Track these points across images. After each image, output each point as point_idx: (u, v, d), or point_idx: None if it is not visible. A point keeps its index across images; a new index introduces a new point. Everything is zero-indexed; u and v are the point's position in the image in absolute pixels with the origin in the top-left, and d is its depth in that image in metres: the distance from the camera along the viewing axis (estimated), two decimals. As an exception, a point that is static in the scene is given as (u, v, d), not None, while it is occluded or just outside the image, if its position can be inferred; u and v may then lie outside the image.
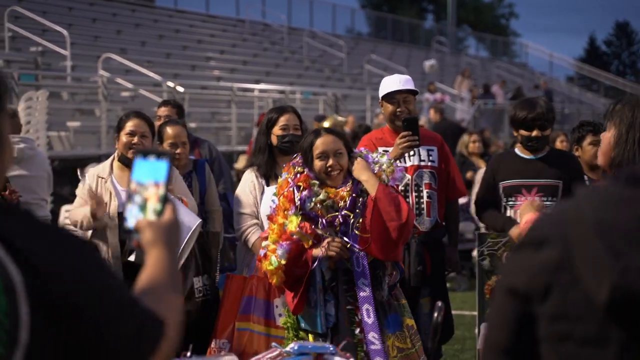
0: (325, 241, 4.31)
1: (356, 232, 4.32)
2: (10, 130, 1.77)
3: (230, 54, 25.80)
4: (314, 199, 4.36)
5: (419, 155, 5.48)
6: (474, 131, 13.37)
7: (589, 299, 1.41)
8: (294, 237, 4.33)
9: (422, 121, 14.98)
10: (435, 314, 2.98)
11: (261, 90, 19.60)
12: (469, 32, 52.95)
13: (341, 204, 4.36)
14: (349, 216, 4.35)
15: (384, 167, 4.50)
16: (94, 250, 1.65)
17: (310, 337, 4.43)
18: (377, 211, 4.32)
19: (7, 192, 4.67)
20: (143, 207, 1.82)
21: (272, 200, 4.61)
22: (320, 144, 4.42)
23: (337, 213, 4.36)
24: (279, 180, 4.59)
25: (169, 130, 5.81)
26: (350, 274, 4.40)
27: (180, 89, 16.30)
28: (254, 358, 3.01)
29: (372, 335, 4.30)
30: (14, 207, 1.61)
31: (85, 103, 16.75)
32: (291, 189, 4.41)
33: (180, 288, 1.81)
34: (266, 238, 4.50)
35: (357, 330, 4.35)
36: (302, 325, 4.49)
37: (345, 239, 4.33)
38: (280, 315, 5.02)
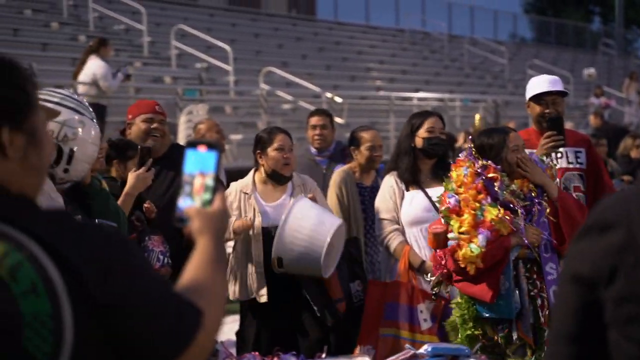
0: (530, 229, 4.52)
1: (545, 219, 4.56)
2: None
3: (389, 64, 25.83)
4: (505, 190, 4.53)
5: (567, 157, 5.33)
6: (639, 134, 12.83)
7: None
8: (494, 225, 4.45)
9: (569, 125, 14.56)
10: None
11: (420, 99, 19.53)
12: (638, 33, 51.10)
13: (533, 193, 4.59)
14: (541, 204, 4.57)
15: (551, 168, 4.71)
16: (135, 246, 1.68)
17: (488, 326, 4.52)
18: (564, 212, 4.54)
19: (146, 205, 4.81)
20: (192, 197, 1.82)
21: (449, 196, 4.64)
22: (513, 138, 4.66)
23: (529, 202, 4.58)
24: (455, 174, 4.65)
25: (365, 135, 5.98)
26: (531, 262, 4.59)
27: (338, 99, 16.43)
28: (388, 359, 2.95)
29: None
30: (53, 211, 1.64)
31: (247, 116, 17.13)
32: (481, 180, 4.54)
33: (225, 278, 1.81)
34: (444, 232, 4.58)
35: (543, 312, 4.54)
36: (485, 314, 4.55)
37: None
38: (425, 320, 5.09)
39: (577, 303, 1.52)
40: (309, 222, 4.99)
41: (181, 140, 10.62)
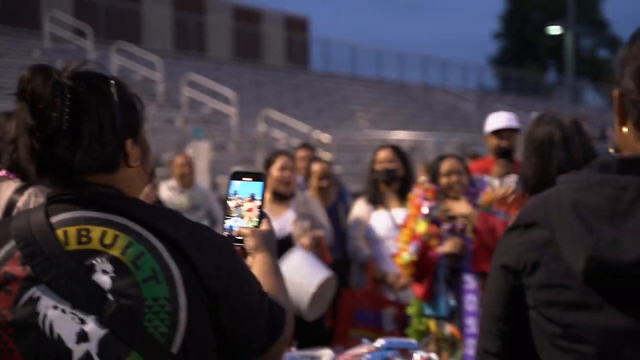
0: (450, 240, 4.62)
1: (469, 235, 4.60)
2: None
3: (372, 108, 26.01)
4: (437, 209, 4.66)
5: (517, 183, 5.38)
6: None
7: (569, 270, 1.45)
8: (423, 238, 4.64)
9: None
10: None
11: (397, 139, 19.53)
12: (586, 84, 51.37)
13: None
14: (466, 224, 4.63)
15: (496, 189, 4.67)
16: (233, 247, 1.71)
17: (432, 321, 4.67)
18: (479, 237, 4.55)
19: None
20: (243, 218, 1.90)
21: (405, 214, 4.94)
22: (445, 164, 4.74)
23: (456, 220, 4.64)
24: (410, 196, 4.84)
25: (315, 166, 5.98)
26: (458, 271, 4.68)
27: (326, 138, 16.41)
28: (350, 351, 3.05)
29: (470, 321, 4.59)
30: (167, 209, 1.68)
31: (247, 152, 17.14)
32: (420, 200, 4.69)
33: (284, 285, 1.84)
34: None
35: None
36: (427, 312, 4.71)
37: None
38: (388, 323, 5.25)
39: (504, 288, 1.57)
40: (300, 273, 4.76)
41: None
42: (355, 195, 6.61)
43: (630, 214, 1.43)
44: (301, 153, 6.79)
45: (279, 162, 5.30)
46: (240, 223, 1.88)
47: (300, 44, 32.87)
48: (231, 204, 1.91)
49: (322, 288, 4.79)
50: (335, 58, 31.12)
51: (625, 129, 1.55)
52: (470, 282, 4.62)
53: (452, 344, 4.61)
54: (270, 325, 1.65)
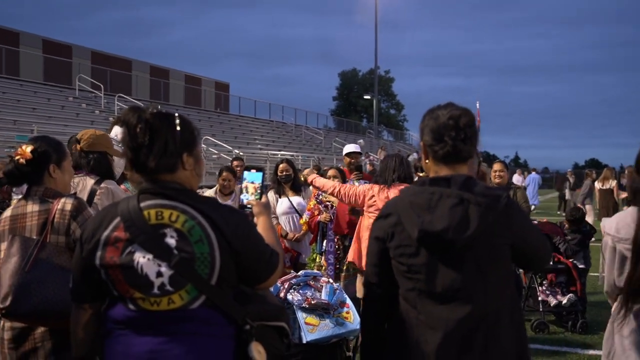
0: (324, 213, 4.58)
1: (335, 207, 4.55)
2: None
3: (266, 137, 25.17)
4: (322, 195, 4.57)
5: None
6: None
7: (409, 237, 1.50)
8: (312, 210, 4.64)
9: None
10: None
11: (281, 154, 19.01)
12: (383, 128, 52.86)
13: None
14: (333, 204, 4.57)
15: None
16: (247, 216, 1.56)
17: (317, 255, 4.63)
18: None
19: None
20: (250, 194, 1.75)
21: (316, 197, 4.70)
22: (329, 172, 4.72)
23: (330, 202, 4.59)
24: (311, 188, 4.63)
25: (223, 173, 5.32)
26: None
27: (241, 153, 16.10)
28: (282, 278, 2.72)
29: (330, 257, 4.51)
30: (207, 197, 1.51)
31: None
32: (315, 191, 4.58)
33: (277, 236, 1.66)
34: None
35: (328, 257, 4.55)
36: (315, 249, 4.69)
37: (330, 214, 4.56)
38: (286, 262, 4.80)
39: (378, 249, 1.57)
40: None
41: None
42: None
43: (437, 207, 1.48)
44: (236, 162, 6.63)
45: (224, 174, 5.19)
46: (248, 197, 1.74)
47: (225, 98, 32.21)
48: (243, 185, 1.76)
49: None
50: (245, 106, 30.33)
51: (427, 161, 1.58)
52: (331, 235, 4.59)
53: (320, 267, 4.54)
54: (270, 263, 1.51)
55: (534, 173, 17.75)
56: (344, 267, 4.44)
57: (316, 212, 4.69)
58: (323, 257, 4.59)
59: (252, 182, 1.76)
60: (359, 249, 4.00)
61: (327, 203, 4.63)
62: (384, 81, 53.49)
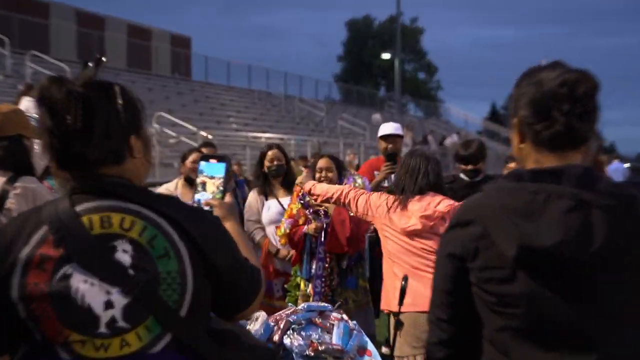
0: (312, 224, 4.50)
1: (330, 213, 4.49)
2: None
3: (244, 113, 25.65)
4: (308, 197, 4.48)
5: None
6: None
7: (501, 255, 1.48)
8: (295, 217, 4.61)
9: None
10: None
11: (266, 138, 19.59)
12: (409, 99, 53.15)
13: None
14: (327, 210, 4.49)
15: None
16: (220, 222, 1.64)
17: (303, 281, 4.57)
18: (332, 225, 4.42)
19: None
20: (210, 192, 1.81)
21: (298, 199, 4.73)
22: (319, 163, 4.63)
23: (320, 206, 4.50)
24: (295, 187, 4.70)
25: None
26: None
27: (210, 137, 16.26)
28: (275, 314, 2.87)
29: (317, 283, 4.46)
30: (167, 196, 1.60)
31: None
32: (299, 189, 4.54)
33: (252, 248, 1.77)
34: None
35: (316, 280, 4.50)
36: (298, 273, 4.63)
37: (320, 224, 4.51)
38: (277, 291, 5.06)
39: (451, 270, 1.58)
40: None
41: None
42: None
43: (543, 212, 1.47)
44: (205, 150, 6.64)
45: (191, 157, 5.50)
46: (205, 197, 1.79)
47: (185, 57, 32.29)
48: (198, 181, 1.83)
49: None
50: (213, 70, 30.71)
51: (522, 146, 1.58)
52: (321, 252, 4.47)
53: (307, 297, 4.47)
54: (252, 283, 1.62)
55: (616, 162, 17.07)
56: (338, 299, 4.27)
57: (301, 221, 4.62)
58: (310, 284, 4.53)
59: (212, 177, 1.80)
60: (385, 287, 3.85)
61: (318, 209, 4.55)
62: (409, 33, 53.79)
